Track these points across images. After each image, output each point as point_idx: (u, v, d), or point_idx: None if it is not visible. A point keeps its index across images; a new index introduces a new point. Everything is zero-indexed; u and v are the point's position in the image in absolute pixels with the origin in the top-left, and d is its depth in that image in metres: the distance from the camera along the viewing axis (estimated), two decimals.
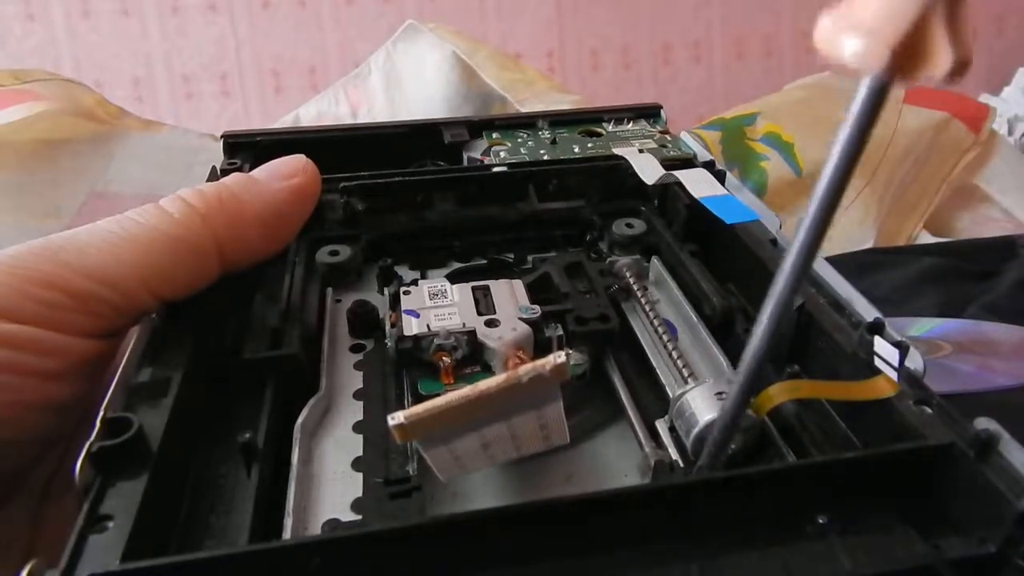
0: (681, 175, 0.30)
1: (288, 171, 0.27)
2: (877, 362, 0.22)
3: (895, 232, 0.68)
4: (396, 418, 0.18)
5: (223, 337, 0.25)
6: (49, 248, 0.22)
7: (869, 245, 0.64)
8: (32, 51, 1.15)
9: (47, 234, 0.23)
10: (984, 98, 0.90)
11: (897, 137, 0.69)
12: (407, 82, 0.69)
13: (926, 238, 0.68)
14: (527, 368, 0.18)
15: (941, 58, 0.13)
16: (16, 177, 0.46)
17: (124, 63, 1.18)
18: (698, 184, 0.29)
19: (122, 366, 0.22)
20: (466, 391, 0.18)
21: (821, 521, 0.18)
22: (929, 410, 0.20)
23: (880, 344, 0.22)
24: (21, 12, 1.14)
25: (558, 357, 0.18)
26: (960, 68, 0.13)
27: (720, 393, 0.22)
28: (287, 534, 0.20)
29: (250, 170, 0.37)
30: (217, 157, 0.36)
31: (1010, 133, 0.89)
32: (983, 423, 0.18)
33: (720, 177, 0.31)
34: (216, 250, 0.24)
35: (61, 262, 0.22)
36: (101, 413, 0.20)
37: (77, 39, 1.16)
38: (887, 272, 0.58)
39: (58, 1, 1.15)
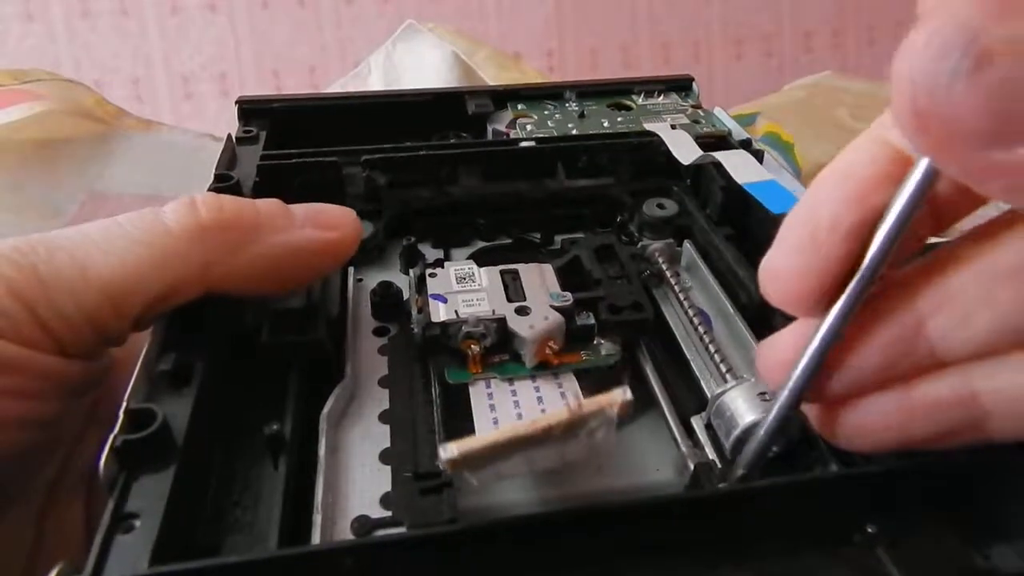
0: (721, 156, 0.29)
1: (327, 222, 0.25)
2: None
3: None
4: (450, 453, 0.17)
5: (245, 320, 0.25)
6: (22, 250, 0.20)
7: None
8: (31, 51, 1.13)
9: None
10: None
11: None
12: (406, 82, 0.68)
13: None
14: (592, 407, 0.18)
15: None
16: (16, 177, 0.45)
17: (123, 63, 1.17)
18: (741, 168, 0.28)
19: (143, 353, 0.21)
20: (527, 427, 0.18)
21: (870, 530, 0.18)
22: None
23: None
24: (20, 12, 1.12)
25: (625, 394, 0.19)
26: None
27: (763, 394, 0.21)
28: (316, 532, 0.19)
29: (266, 137, 0.35)
30: (216, 157, 0.34)
31: None
32: None
33: (759, 157, 0.30)
34: (200, 274, 0.22)
35: (28, 268, 0.20)
36: (124, 404, 0.19)
37: (76, 39, 1.15)
38: None
39: (57, 1, 1.13)
